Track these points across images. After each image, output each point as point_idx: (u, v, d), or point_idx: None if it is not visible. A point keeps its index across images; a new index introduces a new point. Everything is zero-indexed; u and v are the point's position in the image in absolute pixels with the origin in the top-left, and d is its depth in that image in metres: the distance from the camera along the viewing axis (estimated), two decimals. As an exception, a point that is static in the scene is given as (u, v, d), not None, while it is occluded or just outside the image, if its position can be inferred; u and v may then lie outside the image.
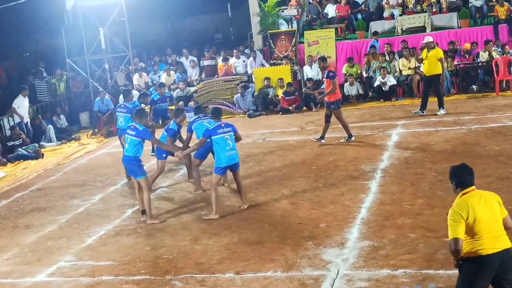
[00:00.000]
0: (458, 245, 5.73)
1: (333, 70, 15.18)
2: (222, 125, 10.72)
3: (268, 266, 8.42)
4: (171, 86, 21.57)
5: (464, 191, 5.97)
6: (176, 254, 9.23)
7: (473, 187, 5.99)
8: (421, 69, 18.47)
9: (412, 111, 17.21)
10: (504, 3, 20.91)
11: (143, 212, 10.94)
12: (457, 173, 6.03)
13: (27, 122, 19.13)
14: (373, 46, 20.93)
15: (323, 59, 15.21)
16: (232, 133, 10.68)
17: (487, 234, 5.81)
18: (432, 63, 16.62)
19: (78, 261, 9.46)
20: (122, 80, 22.95)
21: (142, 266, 8.94)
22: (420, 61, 17.05)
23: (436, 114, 16.61)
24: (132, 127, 10.85)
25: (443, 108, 16.77)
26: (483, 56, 19.46)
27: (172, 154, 12.06)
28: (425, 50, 16.86)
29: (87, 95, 22.61)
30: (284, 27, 23.61)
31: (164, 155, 12.27)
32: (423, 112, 16.90)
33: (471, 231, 5.80)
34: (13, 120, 19.26)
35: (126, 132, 10.95)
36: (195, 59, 23.20)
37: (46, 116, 20.59)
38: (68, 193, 13.44)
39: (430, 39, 17.04)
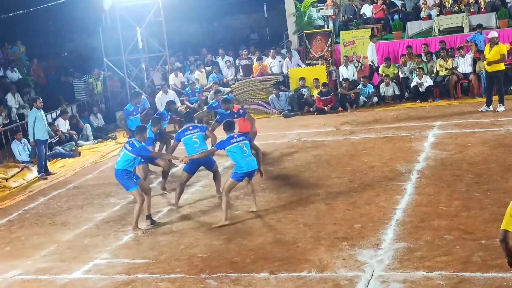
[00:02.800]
0: (506, 235, 5.64)
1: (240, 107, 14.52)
2: (235, 136, 10.70)
3: (302, 266, 8.40)
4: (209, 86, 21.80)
5: None
6: (211, 253, 9.26)
7: None
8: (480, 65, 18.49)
9: (479, 109, 17.14)
10: (544, 2, 20.65)
11: (148, 217, 10.92)
12: None
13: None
14: (409, 47, 20.79)
15: (225, 101, 14.08)
16: (247, 142, 10.67)
17: None
18: (495, 59, 16.57)
19: (114, 259, 9.54)
20: (158, 79, 23.14)
21: (177, 265, 8.98)
22: (484, 58, 16.85)
23: (497, 111, 16.62)
24: (130, 142, 10.70)
25: (503, 105, 16.72)
26: (523, 57, 19.21)
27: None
28: (488, 45, 16.77)
29: (124, 94, 22.83)
30: (320, 21, 23.61)
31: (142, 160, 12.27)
32: (490, 108, 16.92)
33: None
34: (52, 118, 19.53)
35: (124, 145, 10.87)
36: (231, 59, 23.31)
37: (84, 115, 20.85)
38: (105, 191, 13.57)
39: (495, 34, 16.96)
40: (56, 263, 9.63)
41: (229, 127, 10.84)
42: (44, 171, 15.62)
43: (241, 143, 10.53)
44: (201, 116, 16.32)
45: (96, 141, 19.48)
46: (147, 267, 9.03)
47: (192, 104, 20.31)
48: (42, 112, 15.78)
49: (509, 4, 21.37)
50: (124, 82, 22.84)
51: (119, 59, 22.58)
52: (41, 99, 15.85)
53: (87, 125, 19.96)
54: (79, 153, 17.85)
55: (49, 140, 18.24)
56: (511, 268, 5.73)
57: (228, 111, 13.81)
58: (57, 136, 18.47)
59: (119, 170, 10.68)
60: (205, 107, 16.98)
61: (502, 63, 16.73)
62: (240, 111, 13.87)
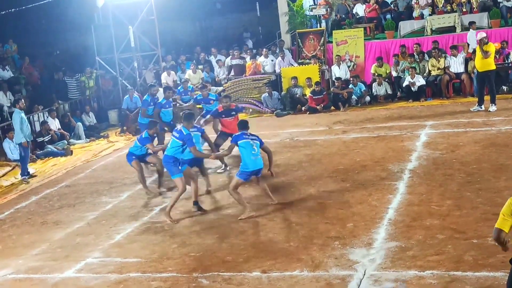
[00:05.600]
0: (496, 235, 5.69)
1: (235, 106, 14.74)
2: (248, 133, 10.87)
3: (294, 265, 8.42)
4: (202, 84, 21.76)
5: None
6: (203, 252, 9.26)
7: None
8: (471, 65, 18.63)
9: (471, 109, 17.17)
10: (536, 3, 20.71)
11: (195, 203, 11.19)
12: None
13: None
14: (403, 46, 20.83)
15: (226, 96, 14.71)
16: (258, 143, 10.78)
17: None
18: (485, 59, 16.62)
19: (106, 258, 9.53)
20: (150, 78, 23.11)
21: (169, 264, 8.98)
22: (485, 54, 16.83)
23: (489, 111, 16.65)
24: (178, 129, 10.99)
25: (495, 104, 16.78)
26: (514, 57, 19.27)
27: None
28: (478, 46, 16.82)
29: (116, 93, 22.82)
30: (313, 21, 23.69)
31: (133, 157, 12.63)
32: (481, 107, 16.98)
33: None
34: (44, 117, 19.48)
35: (172, 133, 11.23)
36: (223, 58, 23.28)
37: (76, 114, 20.81)
38: (97, 190, 13.55)
39: (484, 34, 17.00)
40: (48, 262, 9.61)
41: (243, 126, 11.07)
42: (26, 174, 15.44)
43: (252, 141, 10.68)
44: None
45: (88, 140, 19.44)
46: (139, 266, 9.02)
47: (184, 103, 20.28)
48: (23, 113, 15.32)
49: (501, 4, 21.42)
50: (116, 80, 22.82)
51: (111, 57, 22.54)
52: (23, 100, 15.65)
53: (79, 123, 19.93)
54: (71, 152, 17.83)
55: (41, 139, 18.25)
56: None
57: (223, 108, 13.91)
58: (49, 135, 18.43)
59: (167, 156, 10.89)
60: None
61: (493, 63, 16.76)
62: (239, 106, 14.50)
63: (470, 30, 20.19)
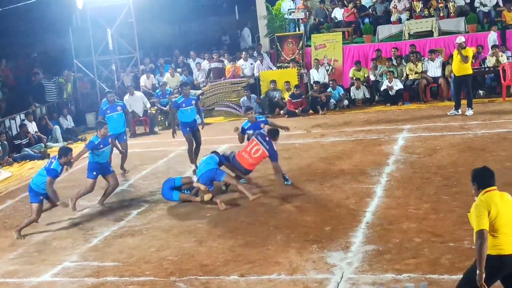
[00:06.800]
0: (484, 235, 5.82)
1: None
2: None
3: (272, 269, 8.43)
4: (179, 88, 21.71)
5: (487, 190, 6.15)
6: (181, 256, 9.24)
7: (495, 187, 6.19)
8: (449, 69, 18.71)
9: (448, 113, 17.27)
10: (512, 8, 20.92)
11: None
12: (479, 176, 6.28)
13: None
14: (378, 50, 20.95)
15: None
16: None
17: (507, 233, 5.93)
18: (463, 63, 16.74)
19: (83, 262, 9.48)
20: (129, 81, 23.01)
21: (146, 267, 8.95)
22: (465, 59, 16.93)
23: (466, 115, 16.77)
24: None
25: (471, 108, 16.90)
26: (490, 61, 19.43)
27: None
28: (456, 50, 16.93)
29: (94, 96, 22.69)
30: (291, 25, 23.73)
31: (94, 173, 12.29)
32: (458, 111, 17.08)
33: (492, 228, 5.90)
34: (20, 119, 19.35)
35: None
36: (201, 61, 23.24)
37: (53, 117, 20.66)
38: (74, 193, 13.41)
39: (462, 39, 17.13)
40: (24, 266, 9.55)
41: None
42: None
43: None
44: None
45: (66, 143, 19.27)
46: (116, 270, 8.98)
47: (163, 107, 20.24)
48: None
49: (477, 9, 21.61)
50: (94, 83, 22.71)
51: (89, 60, 22.43)
52: None
53: (57, 126, 19.78)
54: (48, 155, 17.66)
55: (19, 141, 18.12)
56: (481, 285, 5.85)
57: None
58: (27, 138, 18.30)
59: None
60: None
61: (470, 67, 16.90)
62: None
63: (491, 31, 20.32)
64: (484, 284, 5.83)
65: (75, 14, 24.06)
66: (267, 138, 11.82)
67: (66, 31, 23.58)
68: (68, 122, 20.98)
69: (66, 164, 11.16)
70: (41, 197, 10.98)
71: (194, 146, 14.06)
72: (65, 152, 11.12)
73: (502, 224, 5.93)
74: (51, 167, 10.90)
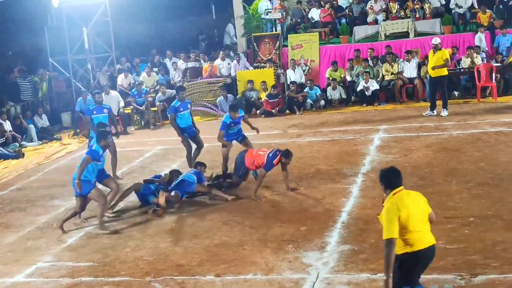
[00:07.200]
0: (393, 243, 6.08)
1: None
2: None
3: (248, 268, 8.42)
4: (155, 88, 21.65)
5: (394, 191, 6.41)
6: (157, 256, 9.21)
7: (402, 187, 6.46)
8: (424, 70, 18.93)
9: (423, 113, 17.37)
10: (487, 10, 21.11)
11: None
12: (386, 176, 6.58)
13: None
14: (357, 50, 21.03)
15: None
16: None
17: (418, 229, 6.25)
18: (439, 65, 16.88)
19: (57, 262, 9.41)
20: (105, 80, 22.88)
21: (122, 268, 8.90)
22: (447, 62, 17.06)
23: (441, 115, 16.90)
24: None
25: (447, 109, 17.04)
26: (465, 62, 19.61)
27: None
28: (431, 51, 17.05)
29: (69, 95, 22.53)
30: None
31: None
32: (433, 112, 17.19)
33: (405, 227, 6.19)
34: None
35: None
36: (177, 60, 23.17)
37: (28, 116, 20.47)
38: (49, 193, 13.35)
39: (438, 40, 17.23)
40: (-2, 267, 9.45)
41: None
42: None
43: None
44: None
45: (41, 142, 19.16)
46: (91, 270, 8.93)
47: (139, 106, 20.15)
48: None
49: (453, 11, 21.78)
50: (70, 82, 22.53)
51: (65, 59, 22.23)
52: None
53: (31, 125, 19.61)
54: (23, 154, 17.52)
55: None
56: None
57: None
58: (4, 137, 18.11)
59: None
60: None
61: (445, 68, 17.05)
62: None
63: (478, 32, 20.50)
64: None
65: (51, 12, 23.86)
66: (277, 152, 11.62)
67: (41, 29, 23.36)
68: (43, 121, 20.80)
69: (105, 147, 10.98)
70: (93, 181, 10.73)
71: (192, 149, 13.71)
72: (104, 135, 10.97)
73: (412, 224, 6.20)
74: (93, 148, 10.75)
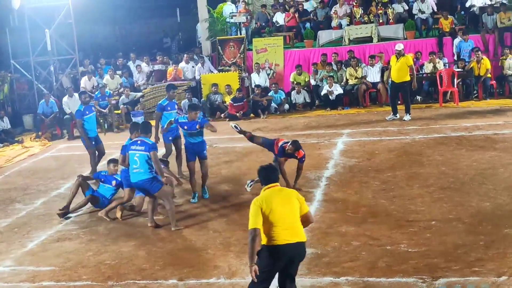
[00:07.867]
0: (256, 233, 6.45)
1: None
2: (138, 142, 10.46)
3: (211, 272, 8.41)
4: (119, 90, 21.49)
5: (267, 186, 6.78)
6: (119, 260, 9.14)
7: (277, 183, 6.81)
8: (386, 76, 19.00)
9: (386, 118, 17.51)
10: (448, 16, 21.38)
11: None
12: (262, 172, 6.92)
13: None
14: (324, 55, 21.13)
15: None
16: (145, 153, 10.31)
17: (281, 225, 6.53)
18: (402, 70, 17.05)
19: (18, 266, 9.29)
20: (68, 82, 22.66)
21: (84, 272, 8.83)
22: (412, 69, 17.21)
23: (404, 120, 17.03)
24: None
25: (409, 114, 17.21)
26: (428, 67, 19.83)
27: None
28: (394, 57, 17.19)
29: (32, 97, 22.28)
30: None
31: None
32: (396, 116, 17.35)
33: (267, 221, 6.51)
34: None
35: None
36: (141, 63, 23.04)
37: (-12, 118, 20.20)
38: (10, 197, 13.18)
39: (401, 46, 17.38)
40: (-43, 271, 9.29)
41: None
42: None
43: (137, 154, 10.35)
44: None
45: (2, 145, 18.91)
46: (52, 274, 8.83)
47: (103, 109, 19.97)
48: None
49: (416, 16, 22.03)
50: (32, 84, 22.28)
51: (27, 61, 21.98)
52: None
53: (-8, 128, 19.37)
54: (-15, 156, 17.31)
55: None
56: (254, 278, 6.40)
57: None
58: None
59: None
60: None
61: (408, 74, 17.18)
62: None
63: (458, 37, 20.69)
64: (256, 274, 6.37)
65: (12, 14, 23.61)
66: (287, 142, 11.75)
67: (2, 30, 23.08)
68: (4, 123, 20.49)
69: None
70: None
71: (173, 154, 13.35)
72: (148, 128, 10.79)
73: (276, 219, 6.50)
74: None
